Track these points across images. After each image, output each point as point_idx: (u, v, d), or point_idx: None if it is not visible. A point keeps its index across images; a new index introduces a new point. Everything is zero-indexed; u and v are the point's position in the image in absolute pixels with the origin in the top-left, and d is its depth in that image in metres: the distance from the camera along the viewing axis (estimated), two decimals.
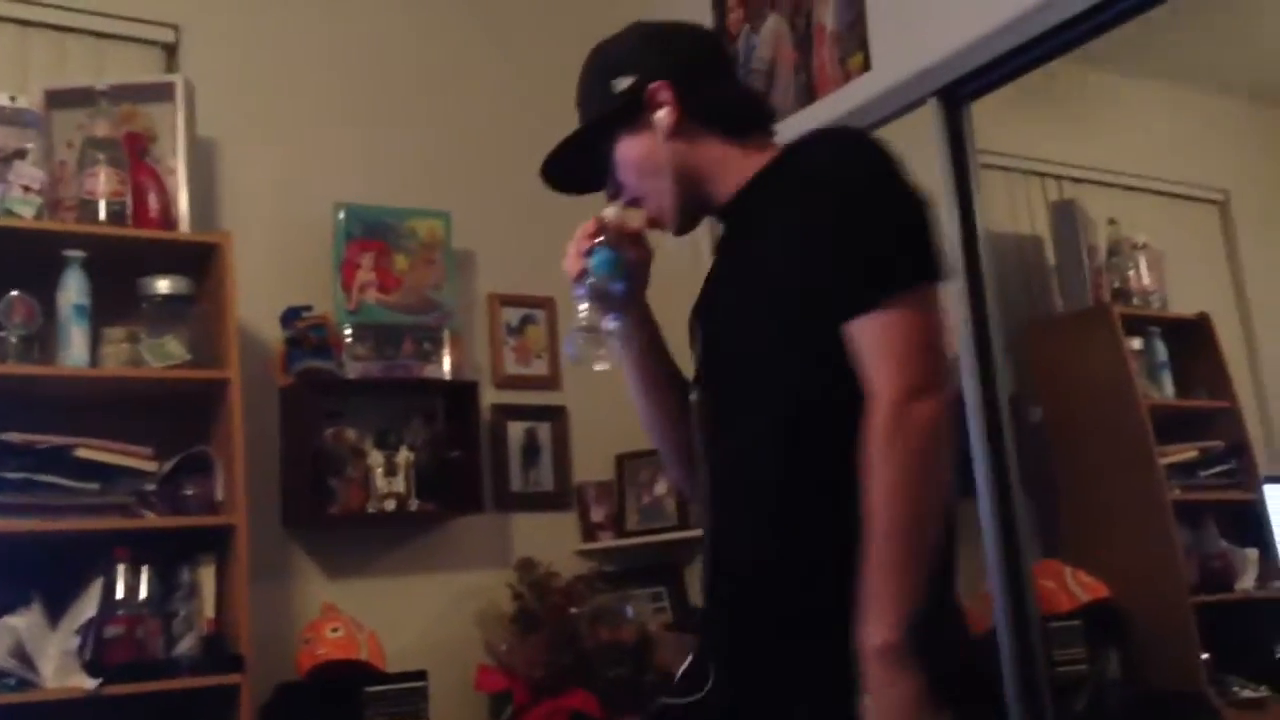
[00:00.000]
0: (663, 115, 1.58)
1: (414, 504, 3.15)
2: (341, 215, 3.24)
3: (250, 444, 2.77)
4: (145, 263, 2.81)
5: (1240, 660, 3.01)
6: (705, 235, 1.66)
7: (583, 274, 1.58)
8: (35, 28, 3.01)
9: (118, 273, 2.75)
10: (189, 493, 2.75)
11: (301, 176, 3.29)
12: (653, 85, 1.59)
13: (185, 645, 2.64)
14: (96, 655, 2.51)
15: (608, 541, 3.49)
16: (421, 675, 2.91)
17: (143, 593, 2.60)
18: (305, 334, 3.06)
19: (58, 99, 2.85)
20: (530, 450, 3.50)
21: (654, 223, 1.65)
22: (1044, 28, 2.42)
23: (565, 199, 1.74)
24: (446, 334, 3.31)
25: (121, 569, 2.58)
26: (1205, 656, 2.94)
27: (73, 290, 2.67)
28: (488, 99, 3.62)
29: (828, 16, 3.03)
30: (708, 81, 1.63)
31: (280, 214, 3.23)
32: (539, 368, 3.55)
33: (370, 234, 3.26)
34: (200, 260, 2.87)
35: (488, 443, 3.40)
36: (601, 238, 1.59)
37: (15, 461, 2.55)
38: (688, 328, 1.67)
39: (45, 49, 3.01)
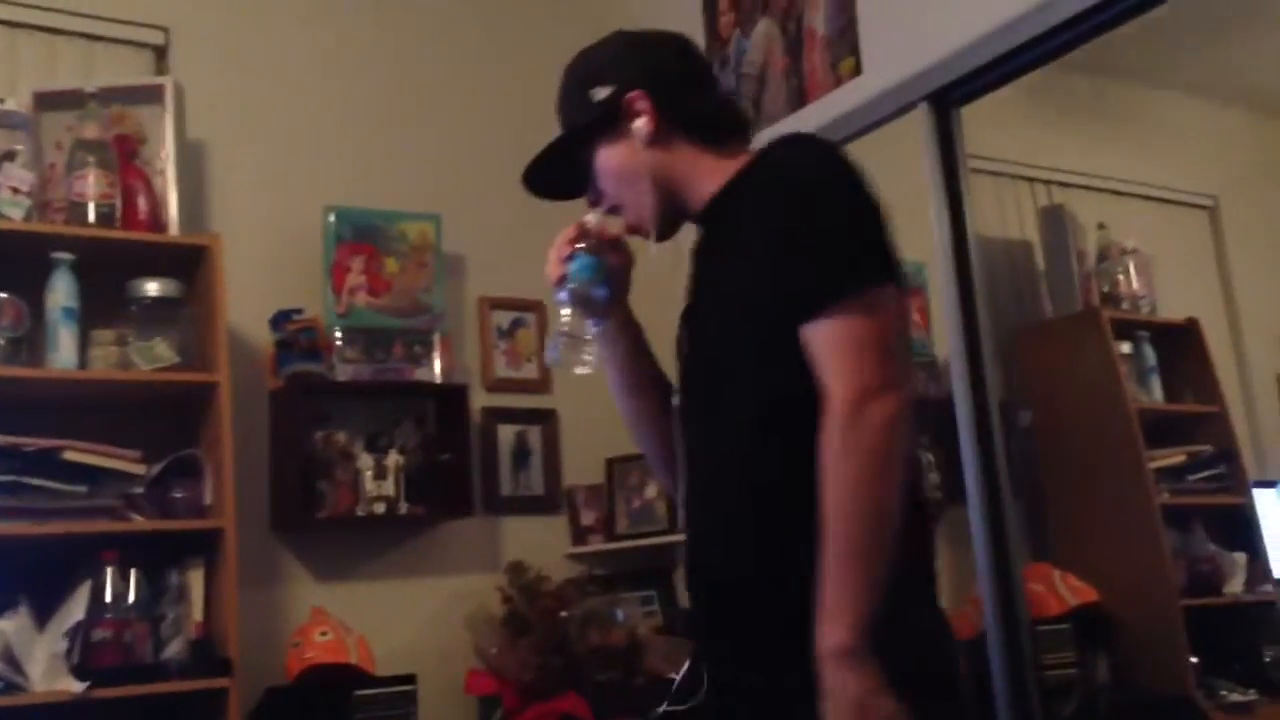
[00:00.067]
0: (641, 124, 1.61)
1: (404, 507, 3.15)
2: (332, 218, 3.23)
3: (239, 447, 2.77)
4: (134, 265, 2.80)
5: (1228, 664, 3.02)
6: (689, 240, 1.68)
7: (564, 279, 1.60)
8: (24, 29, 3.00)
9: (107, 275, 2.75)
10: (178, 496, 2.74)
11: (291, 179, 3.29)
12: (631, 95, 1.62)
13: (173, 649, 2.64)
14: (84, 658, 2.50)
15: (598, 545, 3.49)
16: (411, 679, 2.90)
17: (131, 596, 2.59)
18: (295, 337, 3.06)
19: (47, 101, 2.85)
20: (520, 453, 3.49)
21: (634, 229, 1.67)
22: (1034, 33, 2.42)
23: (556, 203, 1.76)
24: (437, 337, 3.31)
25: (109, 572, 2.57)
26: (1194, 660, 2.94)
27: (61, 292, 2.67)
28: (478, 102, 3.62)
29: (819, 21, 3.04)
30: (685, 91, 1.66)
31: (270, 216, 3.23)
32: (529, 371, 3.55)
33: (360, 237, 3.26)
34: (190, 263, 2.87)
35: (478, 446, 3.40)
36: (582, 244, 1.62)
37: (3, 464, 2.54)
38: (676, 335, 1.69)
39: (35, 51, 3.00)
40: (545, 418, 3.54)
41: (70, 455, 2.61)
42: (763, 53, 3.24)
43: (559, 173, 1.70)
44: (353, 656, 2.87)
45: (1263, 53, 3.19)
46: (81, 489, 2.62)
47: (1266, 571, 3.15)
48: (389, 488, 3.13)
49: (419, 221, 3.35)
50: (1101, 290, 3.40)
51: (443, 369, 3.30)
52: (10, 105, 2.76)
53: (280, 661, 2.88)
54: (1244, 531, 3.18)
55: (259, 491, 3.05)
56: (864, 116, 2.83)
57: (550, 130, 1.70)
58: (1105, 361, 3.20)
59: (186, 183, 2.95)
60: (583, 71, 1.69)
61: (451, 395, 3.30)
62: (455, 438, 3.27)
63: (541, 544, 3.41)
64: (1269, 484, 3.20)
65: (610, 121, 1.63)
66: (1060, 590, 2.93)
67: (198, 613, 2.69)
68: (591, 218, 1.65)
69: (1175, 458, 3.22)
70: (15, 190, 2.66)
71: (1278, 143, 3.40)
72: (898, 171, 2.84)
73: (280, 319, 3.08)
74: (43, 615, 2.56)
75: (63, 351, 2.65)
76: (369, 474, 3.12)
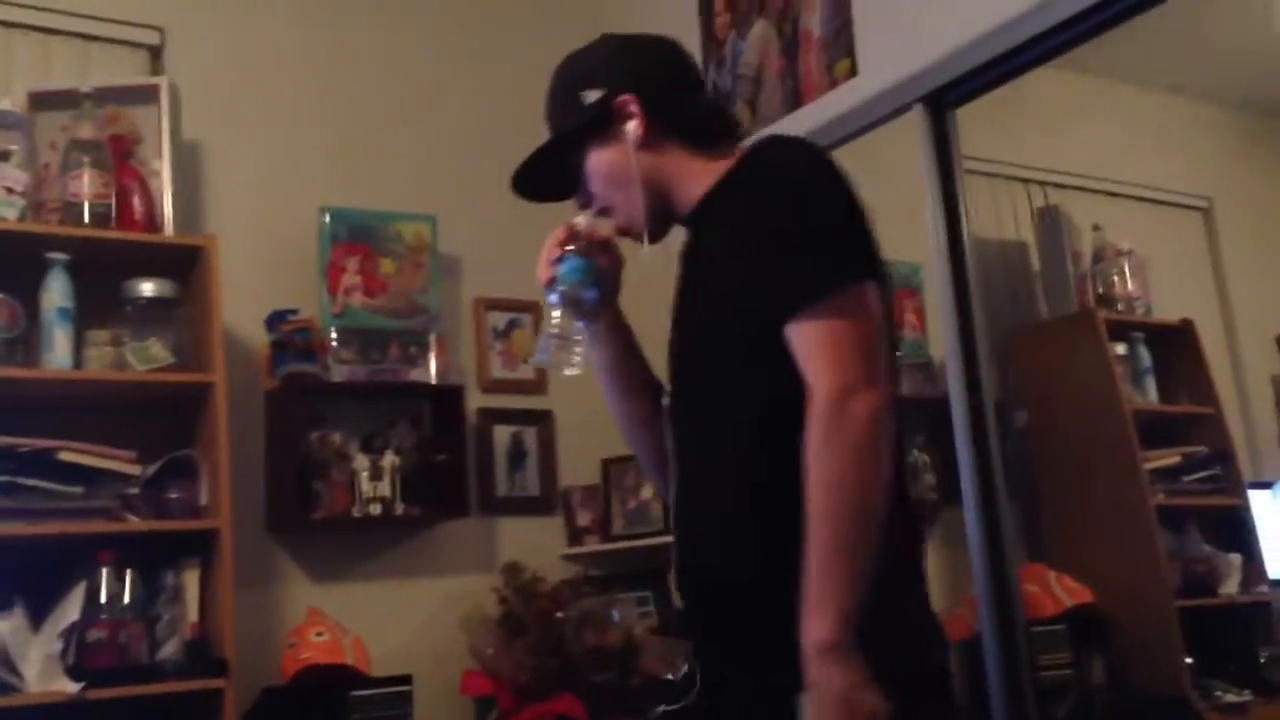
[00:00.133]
0: (632, 127, 1.63)
1: (399, 508, 3.15)
2: (327, 218, 3.23)
3: (235, 447, 2.77)
4: (129, 265, 2.80)
5: (1223, 665, 3.02)
6: (678, 242, 1.68)
7: (554, 281, 1.61)
8: (19, 29, 3.00)
9: (102, 275, 2.74)
10: (173, 496, 2.74)
11: (287, 179, 3.29)
12: (621, 98, 1.63)
13: (169, 650, 2.63)
14: (79, 659, 2.50)
15: (593, 546, 3.49)
16: (407, 680, 2.90)
17: (126, 597, 2.59)
18: (290, 337, 3.06)
19: (42, 101, 2.85)
20: (516, 454, 3.49)
21: (624, 231, 1.68)
22: (1029, 34, 2.43)
23: (551, 204, 1.76)
24: (432, 338, 3.31)
25: (105, 573, 2.57)
26: (1189, 661, 2.95)
27: (56, 293, 2.67)
28: (474, 103, 3.62)
29: (814, 23, 3.04)
30: (675, 94, 1.67)
31: (265, 217, 3.23)
32: (525, 372, 3.55)
33: (356, 237, 3.26)
34: (185, 263, 2.86)
35: (473, 447, 3.40)
36: (572, 245, 1.63)
37: None
38: (669, 336, 1.69)
39: (29, 51, 3.00)
40: (541, 418, 3.54)
41: (65, 456, 2.61)
42: (758, 54, 3.24)
43: (548, 175, 1.71)
44: (348, 657, 2.87)
45: (1258, 54, 3.19)
46: (77, 489, 2.62)
47: (1261, 572, 3.15)
48: (384, 488, 3.13)
49: (414, 222, 3.35)
50: (1096, 291, 3.40)
51: (438, 370, 3.30)
52: (5, 105, 2.75)
53: (276, 662, 2.88)
54: (1239, 532, 3.19)
55: (254, 492, 3.05)
56: (859, 118, 2.83)
57: (546, 132, 1.71)
58: (1100, 362, 3.20)
59: (181, 183, 2.94)
60: (572, 75, 1.70)
61: (447, 396, 3.30)
62: (451, 438, 3.27)
63: (537, 545, 3.42)
64: (1264, 485, 3.20)
65: (601, 124, 1.64)
66: (1055, 591, 2.94)
67: (193, 613, 2.69)
68: (581, 220, 1.66)
69: (1170, 459, 3.22)
70: (10, 190, 2.65)
71: (1273, 144, 3.40)
72: (893, 173, 2.85)
73: (275, 319, 3.07)
74: (38, 616, 2.56)
75: (58, 352, 2.64)
76: (365, 475, 3.12)
